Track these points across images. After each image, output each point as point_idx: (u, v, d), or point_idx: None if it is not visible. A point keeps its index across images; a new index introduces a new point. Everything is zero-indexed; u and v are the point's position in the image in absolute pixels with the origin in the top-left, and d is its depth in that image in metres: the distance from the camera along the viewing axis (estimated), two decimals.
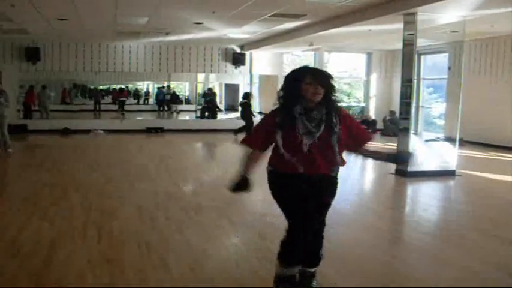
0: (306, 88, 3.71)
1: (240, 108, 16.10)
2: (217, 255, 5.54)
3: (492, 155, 13.91)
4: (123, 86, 23.19)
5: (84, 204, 7.46)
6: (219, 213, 7.15)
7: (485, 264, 5.23)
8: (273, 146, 3.93)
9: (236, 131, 16.90)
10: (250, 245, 5.82)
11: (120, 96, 22.45)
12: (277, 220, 7.11)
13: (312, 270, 4.23)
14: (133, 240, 5.75)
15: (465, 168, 10.96)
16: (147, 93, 24.76)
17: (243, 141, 4.06)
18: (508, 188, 9.89)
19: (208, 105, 21.67)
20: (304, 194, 3.87)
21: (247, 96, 17.29)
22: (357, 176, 11.03)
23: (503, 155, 13.82)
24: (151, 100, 24.32)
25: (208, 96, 21.98)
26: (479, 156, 13.66)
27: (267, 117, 3.97)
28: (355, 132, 3.93)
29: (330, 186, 4.00)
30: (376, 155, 4.14)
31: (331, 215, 4.19)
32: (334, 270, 4.74)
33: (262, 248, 5.66)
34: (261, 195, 9.14)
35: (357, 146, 3.97)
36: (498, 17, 11.01)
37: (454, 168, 10.57)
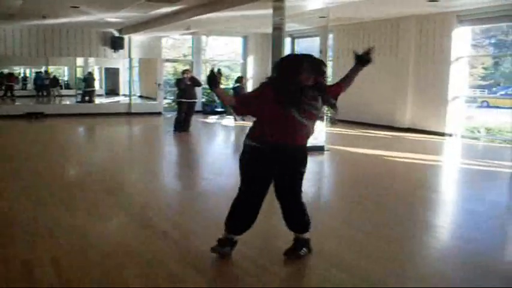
0: (302, 77, 4.32)
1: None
2: (103, 224, 6.05)
3: (359, 131, 15.03)
4: (10, 72, 22.59)
5: None
6: (103, 189, 7.63)
7: (346, 223, 6.14)
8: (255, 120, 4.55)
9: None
10: (134, 215, 6.36)
11: (10, 81, 21.84)
12: (157, 194, 7.75)
13: (305, 236, 4.75)
14: (22, 217, 6.08)
15: (333, 144, 11.89)
16: (25, 78, 24.20)
17: (235, 103, 4.63)
18: (370, 160, 10.92)
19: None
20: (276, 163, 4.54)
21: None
22: (230, 150, 11.88)
23: (369, 131, 15.02)
24: (29, 85, 23.76)
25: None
26: (347, 133, 14.71)
27: (263, 90, 4.45)
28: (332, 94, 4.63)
29: (302, 155, 4.62)
30: (354, 73, 4.86)
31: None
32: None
33: (144, 217, 6.22)
34: (141, 172, 9.68)
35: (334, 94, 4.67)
36: (358, 5, 11.97)
37: (323, 144, 11.45)
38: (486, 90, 22.17)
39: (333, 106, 4.58)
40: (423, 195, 7.80)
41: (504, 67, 22.69)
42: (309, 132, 4.51)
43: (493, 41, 21.09)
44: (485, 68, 22.24)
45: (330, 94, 4.57)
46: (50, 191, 7.44)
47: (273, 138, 4.42)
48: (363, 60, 4.76)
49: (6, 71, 22.42)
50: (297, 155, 4.57)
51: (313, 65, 4.41)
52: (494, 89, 22.84)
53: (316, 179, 9.12)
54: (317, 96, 4.40)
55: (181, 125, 14.53)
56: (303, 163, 4.62)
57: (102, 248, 5.02)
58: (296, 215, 4.72)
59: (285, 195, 4.68)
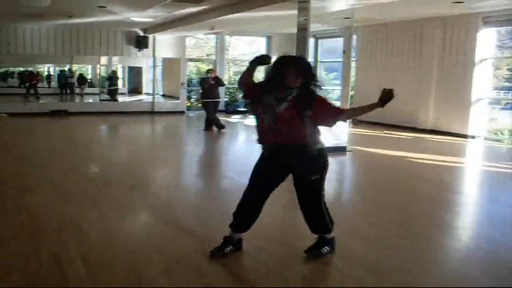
0: (287, 77, 4.33)
1: None
2: (130, 221, 6.18)
3: (381, 132, 15.02)
4: (34, 70, 22.88)
5: None
6: (128, 187, 7.75)
7: (368, 223, 6.22)
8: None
9: None
10: (159, 212, 6.49)
11: (32, 80, 22.15)
12: (180, 192, 7.84)
13: (328, 236, 4.81)
14: (49, 212, 6.24)
15: (356, 144, 11.92)
16: (49, 76, 24.46)
17: (242, 82, 4.79)
18: (393, 161, 10.92)
19: None
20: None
21: None
22: (252, 150, 11.88)
23: (392, 132, 15.01)
24: (53, 83, 24.01)
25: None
26: (369, 134, 14.72)
27: (256, 85, 4.66)
28: (325, 111, 4.51)
29: (302, 158, 4.50)
30: (365, 110, 4.69)
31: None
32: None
33: (169, 214, 6.32)
34: (164, 170, 9.80)
35: (333, 119, 4.56)
36: (383, 6, 11.98)
37: (345, 144, 11.49)
38: (511, 92, 21.97)
39: (303, 115, 4.39)
40: (445, 197, 7.83)
41: None
42: (293, 130, 4.42)
43: None
44: (510, 70, 22.02)
45: (320, 109, 4.45)
46: (78, 188, 7.57)
47: (260, 138, 4.60)
48: (384, 99, 4.58)
49: (30, 69, 22.72)
50: (293, 157, 4.51)
51: (301, 66, 4.45)
52: None
53: (338, 179, 9.16)
54: (287, 99, 4.35)
55: (207, 124, 14.70)
56: (309, 169, 4.53)
57: (128, 243, 5.14)
58: (313, 219, 4.77)
59: (300, 199, 4.71)
